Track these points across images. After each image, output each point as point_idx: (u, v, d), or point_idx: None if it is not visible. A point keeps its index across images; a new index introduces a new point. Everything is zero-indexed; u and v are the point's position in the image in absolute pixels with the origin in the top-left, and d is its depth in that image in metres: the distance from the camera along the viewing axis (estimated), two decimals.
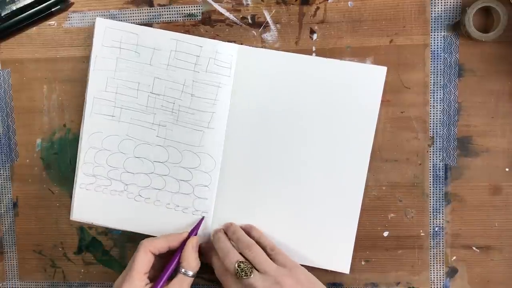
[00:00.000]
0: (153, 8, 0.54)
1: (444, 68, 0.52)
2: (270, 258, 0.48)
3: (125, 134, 0.54)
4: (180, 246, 0.50)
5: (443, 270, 0.53)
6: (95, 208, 0.55)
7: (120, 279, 0.48)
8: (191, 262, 0.49)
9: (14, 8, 0.53)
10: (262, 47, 0.53)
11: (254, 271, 0.47)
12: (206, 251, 0.53)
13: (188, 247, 0.50)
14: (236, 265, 0.47)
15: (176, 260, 0.49)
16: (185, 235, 0.51)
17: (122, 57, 0.53)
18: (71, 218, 0.55)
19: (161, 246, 0.49)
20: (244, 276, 0.46)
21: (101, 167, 0.54)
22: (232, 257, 0.48)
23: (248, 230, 0.52)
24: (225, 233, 0.53)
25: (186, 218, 0.54)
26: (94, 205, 0.55)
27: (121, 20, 0.54)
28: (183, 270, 0.48)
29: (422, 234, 0.53)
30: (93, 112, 0.54)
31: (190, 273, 0.49)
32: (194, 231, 0.52)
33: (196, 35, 0.53)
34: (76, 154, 0.55)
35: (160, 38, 0.53)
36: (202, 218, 0.53)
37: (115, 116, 0.54)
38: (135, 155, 0.54)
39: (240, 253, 0.49)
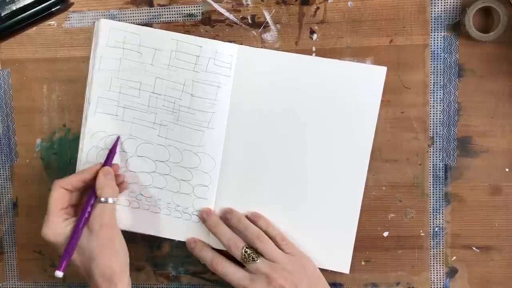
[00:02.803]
0: (153, 8, 0.54)
1: (444, 68, 0.52)
2: (280, 249, 0.49)
3: (128, 133, 0.54)
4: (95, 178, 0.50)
5: (443, 270, 0.53)
6: None
7: None
8: (105, 188, 0.49)
9: (14, 8, 0.53)
10: (262, 47, 0.53)
11: (261, 256, 0.48)
12: (192, 247, 0.52)
13: (100, 176, 0.50)
14: (243, 250, 0.48)
15: (94, 191, 0.49)
16: (98, 166, 0.51)
17: (125, 57, 0.53)
18: None
19: (74, 181, 0.50)
20: (252, 261, 0.47)
21: None
22: (238, 243, 0.49)
23: (254, 219, 0.52)
24: (222, 217, 0.53)
25: (186, 218, 0.54)
26: None
27: (121, 20, 0.54)
28: (102, 199, 0.48)
29: (422, 234, 0.53)
30: (97, 112, 0.54)
31: (110, 200, 0.49)
32: (107, 161, 0.52)
33: (196, 35, 0.53)
34: (76, 154, 0.55)
35: (161, 39, 0.53)
36: (117, 140, 0.53)
37: (118, 116, 0.54)
38: (137, 154, 0.54)
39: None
